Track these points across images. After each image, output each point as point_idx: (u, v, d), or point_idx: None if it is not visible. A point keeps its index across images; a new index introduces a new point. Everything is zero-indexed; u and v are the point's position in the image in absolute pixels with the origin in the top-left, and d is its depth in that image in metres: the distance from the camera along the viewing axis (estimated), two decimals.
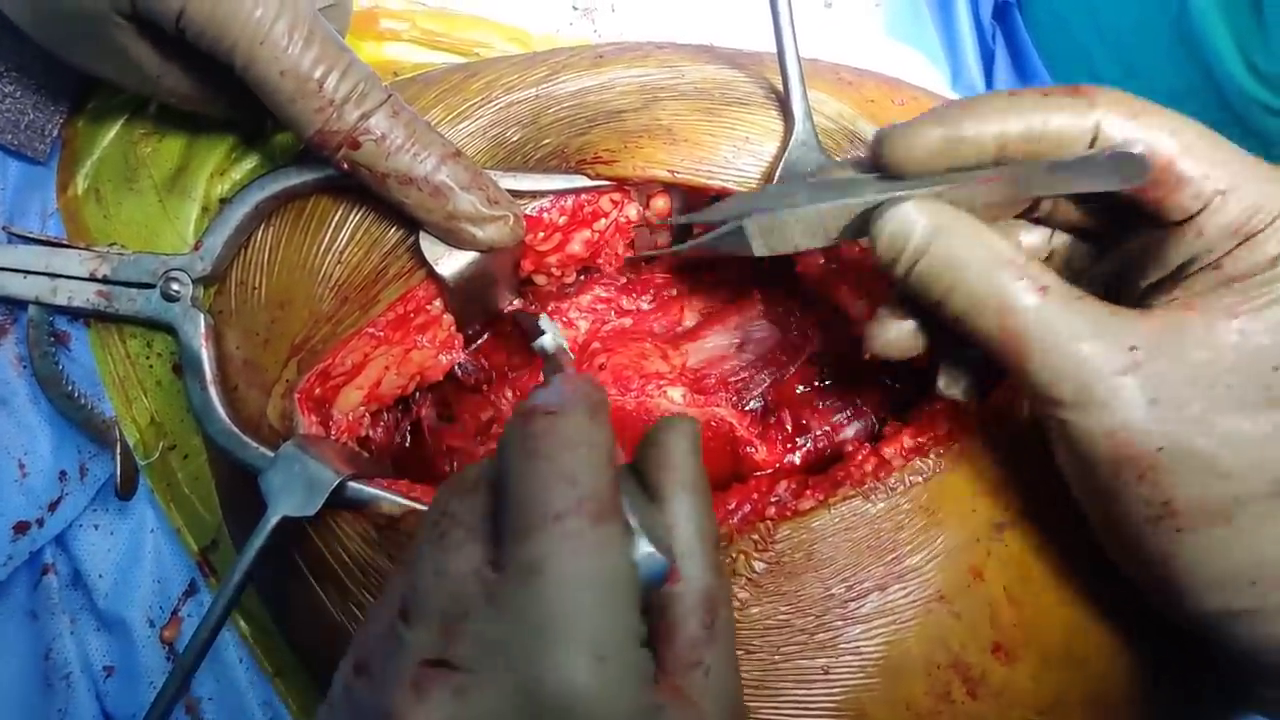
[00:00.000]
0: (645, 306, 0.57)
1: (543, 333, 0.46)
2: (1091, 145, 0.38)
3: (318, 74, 0.43)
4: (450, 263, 0.47)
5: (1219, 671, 0.43)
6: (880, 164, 0.41)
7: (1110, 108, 0.38)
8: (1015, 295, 0.37)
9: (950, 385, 0.43)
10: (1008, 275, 0.37)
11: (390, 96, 0.45)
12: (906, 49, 0.68)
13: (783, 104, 0.50)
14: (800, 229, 0.43)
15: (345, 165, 0.45)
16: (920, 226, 0.38)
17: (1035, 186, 0.39)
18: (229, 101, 0.50)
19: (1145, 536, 0.38)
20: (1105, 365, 0.36)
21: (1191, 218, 0.38)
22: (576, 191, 0.49)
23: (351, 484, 0.46)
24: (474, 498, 0.33)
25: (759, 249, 0.44)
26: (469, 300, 0.50)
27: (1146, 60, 0.65)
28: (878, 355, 0.43)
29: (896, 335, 0.42)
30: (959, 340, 0.41)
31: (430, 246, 0.46)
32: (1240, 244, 0.37)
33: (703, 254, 0.53)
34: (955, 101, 0.40)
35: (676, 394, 0.53)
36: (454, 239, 0.46)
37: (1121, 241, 0.42)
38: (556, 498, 0.30)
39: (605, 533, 0.30)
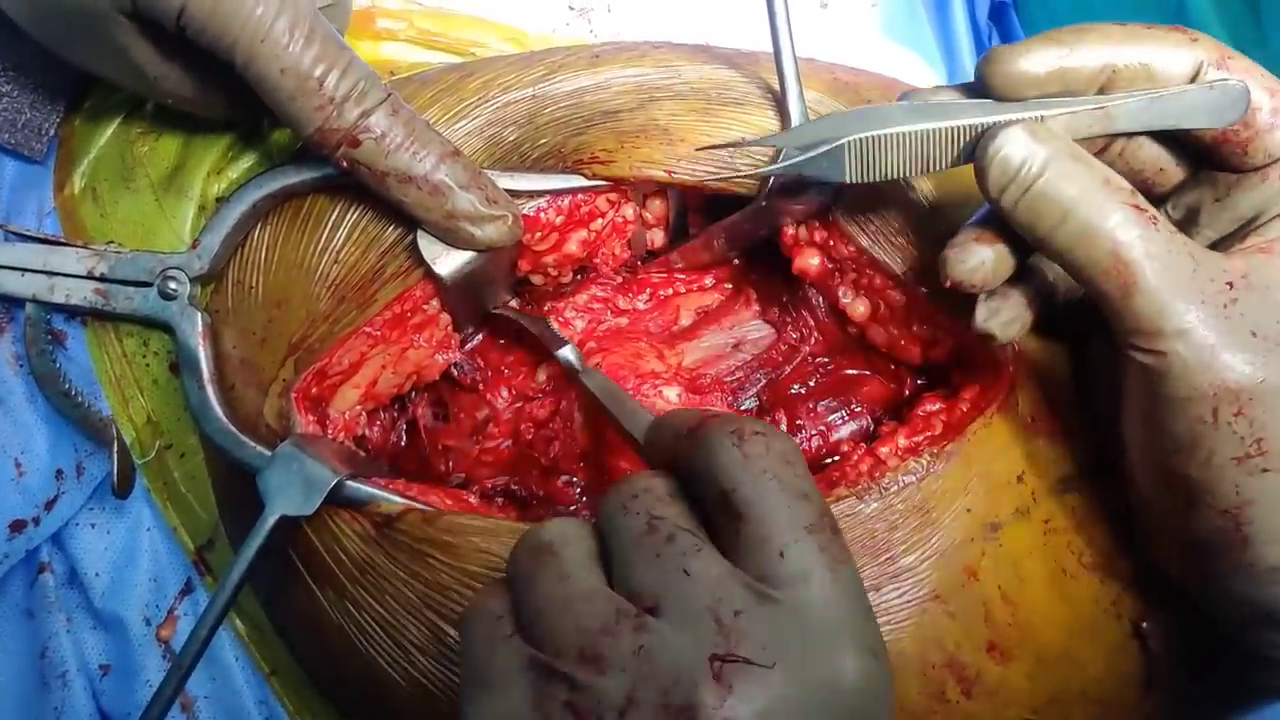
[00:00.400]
0: (641, 306, 0.57)
1: (565, 343, 0.50)
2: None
3: (318, 72, 0.43)
4: (448, 262, 0.47)
5: (1241, 654, 0.43)
6: (985, 84, 0.40)
7: (1207, 49, 0.39)
8: (1129, 225, 0.37)
9: (989, 318, 0.43)
10: (1121, 204, 0.37)
11: (390, 95, 0.45)
12: (902, 50, 0.68)
13: (779, 104, 0.50)
14: (901, 153, 0.41)
15: (345, 163, 0.45)
16: (1037, 153, 0.38)
17: (1137, 119, 0.39)
18: (227, 102, 0.50)
19: (1225, 480, 0.38)
20: (1211, 297, 0.37)
21: (1273, 163, 0.39)
22: (573, 191, 0.50)
23: (349, 483, 0.46)
24: (679, 505, 0.35)
25: (852, 175, 0.42)
26: (465, 300, 0.51)
27: None
28: (960, 283, 0.41)
29: (982, 261, 0.41)
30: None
31: (428, 245, 0.47)
32: None
33: (754, 211, 0.51)
34: (1066, 27, 0.40)
35: (672, 393, 0.53)
36: (452, 238, 0.46)
37: (1183, 193, 0.42)
38: (802, 513, 0.33)
39: (844, 544, 0.34)
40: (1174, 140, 0.41)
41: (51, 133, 0.54)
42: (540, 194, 0.49)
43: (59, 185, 0.54)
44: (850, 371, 0.55)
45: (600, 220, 0.51)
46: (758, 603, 0.32)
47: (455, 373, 0.55)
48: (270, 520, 0.44)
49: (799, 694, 0.31)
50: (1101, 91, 0.39)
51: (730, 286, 0.57)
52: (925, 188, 0.49)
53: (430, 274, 0.47)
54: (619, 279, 0.56)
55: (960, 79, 0.69)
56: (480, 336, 0.56)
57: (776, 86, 0.49)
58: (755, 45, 0.55)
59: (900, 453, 0.47)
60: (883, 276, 0.50)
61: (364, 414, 0.51)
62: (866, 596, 0.34)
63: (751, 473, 0.34)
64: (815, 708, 0.31)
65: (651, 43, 0.54)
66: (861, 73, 0.56)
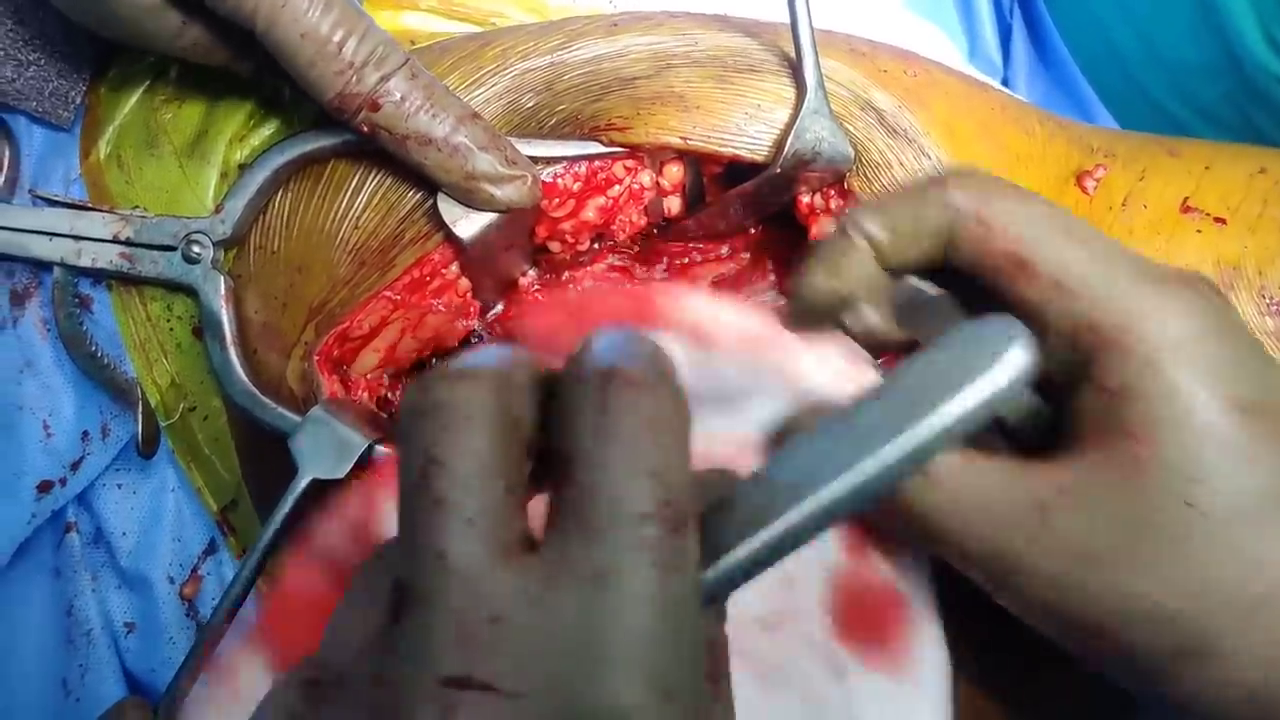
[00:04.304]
0: (658, 276, 0.57)
1: None
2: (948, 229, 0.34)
3: (337, 37, 0.43)
4: (467, 225, 0.47)
5: None
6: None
7: (960, 189, 0.34)
8: None
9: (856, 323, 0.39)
10: None
11: (408, 60, 0.45)
12: (923, 22, 0.68)
13: (795, 72, 0.50)
14: None
15: (365, 128, 0.45)
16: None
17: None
18: (249, 59, 0.49)
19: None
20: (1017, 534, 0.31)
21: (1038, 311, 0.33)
22: (590, 158, 0.50)
23: (377, 448, 0.46)
24: (481, 448, 0.25)
25: None
26: (484, 267, 0.51)
27: (1166, 33, 0.65)
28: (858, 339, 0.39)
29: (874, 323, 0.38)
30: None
31: (448, 208, 0.47)
32: (1103, 353, 0.31)
33: None
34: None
35: None
36: (472, 199, 0.47)
37: None
38: (638, 495, 0.24)
39: (682, 547, 0.25)
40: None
41: (78, 101, 0.55)
42: (557, 160, 0.49)
43: (85, 152, 0.55)
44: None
45: (617, 187, 0.52)
46: (529, 605, 0.24)
47: (475, 342, 0.55)
48: (303, 483, 0.45)
49: None
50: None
51: (747, 256, 0.57)
52: (939, 156, 0.49)
53: (450, 237, 0.48)
54: (636, 248, 0.57)
55: (981, 52, 0.69)
56: (500, 307, 0.56)
57: (793, 55, 0.49)
58: (773, 16, 0.55)
59: None
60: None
61: (386, 377, 0.52)
62: (696, 622, 0.25)
63: (599, 432, 0.25)
64: None
65: (669, 12, 0.54)
66: (878, 44, 0.56)
